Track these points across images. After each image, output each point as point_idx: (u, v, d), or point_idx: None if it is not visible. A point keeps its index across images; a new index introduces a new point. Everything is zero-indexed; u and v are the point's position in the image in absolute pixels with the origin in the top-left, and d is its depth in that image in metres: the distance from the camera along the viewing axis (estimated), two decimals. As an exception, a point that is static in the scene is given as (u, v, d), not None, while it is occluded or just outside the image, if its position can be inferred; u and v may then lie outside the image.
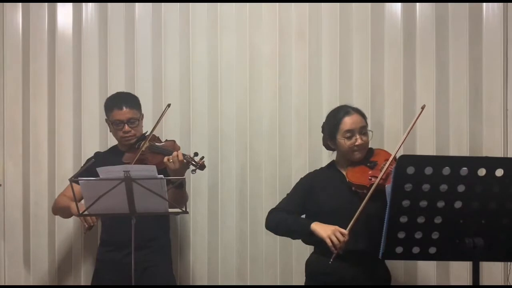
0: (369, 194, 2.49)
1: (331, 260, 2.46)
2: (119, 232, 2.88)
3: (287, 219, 2.67)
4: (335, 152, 2.81)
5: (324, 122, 2.82)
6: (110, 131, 3.08)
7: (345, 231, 2.46)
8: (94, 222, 2.81)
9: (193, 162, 2.83)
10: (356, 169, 2.66)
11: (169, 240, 3.15)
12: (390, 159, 2.57)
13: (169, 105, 3.02)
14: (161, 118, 3.01)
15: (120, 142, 3.05)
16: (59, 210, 3.05)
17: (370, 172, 2.62)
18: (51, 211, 3.17)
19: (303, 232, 2.61)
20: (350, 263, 2.59)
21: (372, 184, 2.53)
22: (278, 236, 3.30)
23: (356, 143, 2.65)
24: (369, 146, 2.76)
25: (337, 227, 2.49)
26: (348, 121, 2.67)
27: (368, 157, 2.71)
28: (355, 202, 2.54)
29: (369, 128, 2.74)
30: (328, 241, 2.47)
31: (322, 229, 2.51)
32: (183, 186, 2.84)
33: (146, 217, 2.72)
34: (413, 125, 2.65)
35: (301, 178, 2.85)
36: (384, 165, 2.57)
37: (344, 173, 2.70)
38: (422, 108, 2.71)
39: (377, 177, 2.53)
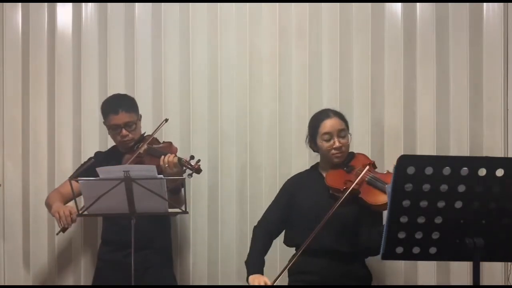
0: (341, 200, 2.55)
1: None
2: (120, 232, 2.87)
3: (251, 253, 2.83)
4: None
5: (308, 127, 2.87)
6: (109, 134, 3.07)
7: (269, 283, 2.60)
8: (69, 224, 2.80)
9: (188, 166, 2.81)
10: (334, 173, 2.73)
11: (170, 241, 3.16)
12: (366, 168, 2.65)
13: (166, 120, 3.04)
14: (156, 131, 3.00)
15: (119, 145, 3.05)
16: (47, 205, 3.04)
17: (346, 177, 2.67)
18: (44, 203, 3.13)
19: (247, 273, 2.75)
20: (329, 262, 2.66)
21: (346, 189, 2.59)
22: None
23: (334, 146, 2.71)
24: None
25: (264, 279, 2.64)
26: (327, 124, 2.74)
27: (347, 161, 2.77)
28: (332, 205, 2.59)
29: (350, 131, 2.80)
30: None
31: (252, 280, 2.67)
32: (179, 191, 2.82)
33: (147, 218, 2.72)
34: None
35: (285, 182, 2.92)
36: (360, 171, 2.64)
37: (324, 175, 2.76)
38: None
39: (351, 181, 2.60)
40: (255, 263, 2.76)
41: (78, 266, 3.47)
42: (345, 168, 2.73)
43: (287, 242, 2.89)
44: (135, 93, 3.30)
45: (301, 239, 2.64)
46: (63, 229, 2.83)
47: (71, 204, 2.85)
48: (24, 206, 3.51)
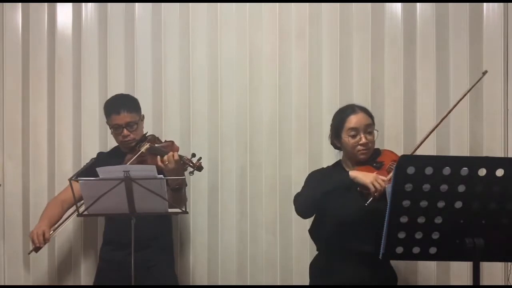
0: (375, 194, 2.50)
1: (367, 203, 2.48)
2: (121, 231, 2.87)
3: (320, 185, 2.63)
4: (340, 152, 2.80)
5: (331, 121, 2.80)
6: (111, 134, 3.08)
7: (385, 178, 2.49)
8: (41, 244, 2.84)
9: (190, 164, 2.82)
10: (361, 169, 2.64)
11: (172, 240, 3.16)
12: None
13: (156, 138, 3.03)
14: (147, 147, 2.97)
15: (121, 145, 3.05)
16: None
17: (375, 173, 2.60)
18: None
19: (344, 184, 2.57)
20: (357, 263, 2.60)
21: None
22: (278, 236, 3.31)
23: (360, 142, 2.64)
24: (376, 147, 2.75)
25: (377, 174, 2.52)
26: (353, 119, 2.66)
27: (374, 157, 2.70)
28: (359, 202, 2.53)
29: (375, 127, 2.72)
30: (371, 186, 2.48)
31: (364, 176, 2.52)
32: (181, 190, 2.83)
33: (148, 217, 2.72)
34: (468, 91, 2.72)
35: (309, 175, 2.81)
36: (392, 165, 2.58)
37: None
38: (484, 73, 2.69)
39: (383, 176, 2.54)
40: (336, 176, 2.64)
41: (78, 266, 3.47)
42: (374, 164, 2.65)
43: (313, 234, 2.81)
44: (135, 93, 3.30)
45: (326, 238, 2.59)
46: (35, 249, 2.88)
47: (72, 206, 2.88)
48: (24, 206, 3.51)
